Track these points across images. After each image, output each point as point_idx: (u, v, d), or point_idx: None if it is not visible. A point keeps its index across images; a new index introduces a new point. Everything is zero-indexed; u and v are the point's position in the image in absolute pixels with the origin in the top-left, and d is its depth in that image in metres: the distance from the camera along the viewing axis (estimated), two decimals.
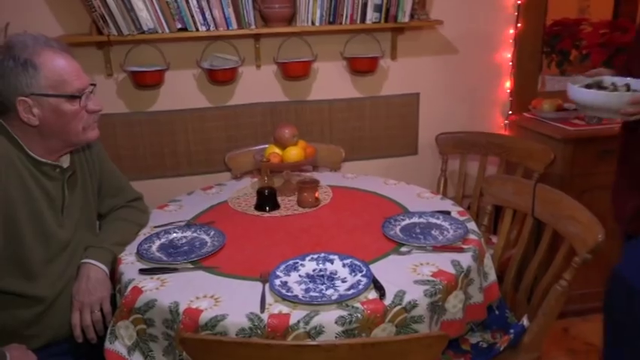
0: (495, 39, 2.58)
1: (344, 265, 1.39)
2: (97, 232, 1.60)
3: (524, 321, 1.53)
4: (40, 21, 2.09)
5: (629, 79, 1.58)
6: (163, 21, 2.07)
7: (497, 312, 1.66)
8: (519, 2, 2.52)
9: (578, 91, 1.51)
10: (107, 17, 1.99)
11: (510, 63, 2.61)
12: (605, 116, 1.46)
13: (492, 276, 1.58)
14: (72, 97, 1.36)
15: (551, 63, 2.70)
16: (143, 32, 2.07)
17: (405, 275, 1.35)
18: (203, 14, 2.09)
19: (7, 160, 1.33)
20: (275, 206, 1.81)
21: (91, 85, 1.41)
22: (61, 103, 1.35)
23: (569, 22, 2.63)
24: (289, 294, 1.26)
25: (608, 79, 1.61)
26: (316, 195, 1.83)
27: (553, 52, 2.65)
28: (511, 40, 2.58)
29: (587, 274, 2.31)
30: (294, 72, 2.33)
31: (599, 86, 1.57)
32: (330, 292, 1.28)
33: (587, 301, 2.40)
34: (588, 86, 1.57)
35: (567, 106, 2.49)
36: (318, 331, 1.18)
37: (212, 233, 1.61)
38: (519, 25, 2.55)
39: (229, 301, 1.26)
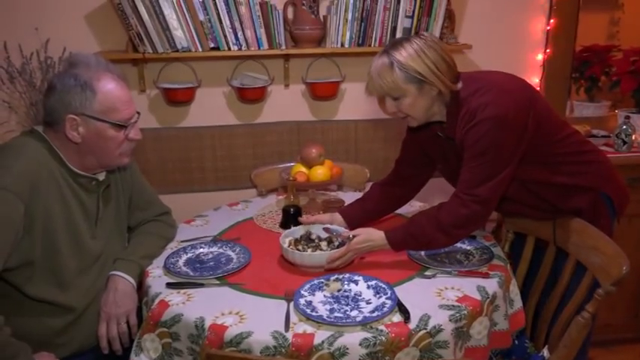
0: (524, 64, 2.57)
1: (368, 287, 1.39)
2: (126, 245, 1.63)
3: (545, 352, 1.50)
4: (79, 37, 2.16)
5: (334, 229, 1.64)
6: (197, 40, 2.12)
7: (516, 342, 1.63)
8: (549, 28, 2.52)
9: (284, 250, 1.54)
10: (143, 35, 2.05)
11: (539, 88, 2.60)
12: (316, 270, 1.52)
13: (518, 303, 1.56)
14: (118, 126, 1.41)
15: (580, 89, 2.68)
16: (177, 50, 2.12)
17: (430, 299, 1.35)
18: (235, 34, 2.14)
19: (48, 171, 1.37)
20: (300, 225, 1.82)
21: (137, 113, 1.46)
22: (107, 129, 1.40)
23: (599, 49, 2.61)
24: (314, 314, 1.27)
25: (316, 231, 1.65)
26: None
27: (582, 78, 2.63)
28: (540, 66, 2.58)
29: (613, 304, 2.28)
30: (323, 92, 2.36)
31: (308, 238, 1.61)
32: (354, 313, 1.28)
33: (612, 332, 2.35)
34: (298, 241, 1.60)
35: (596, 133, 2.46)
36: (342, 352, 1.18)
37: (237, 250, 1.63)
38: (548, 50, 2.54)
39: (254, 319, 1.27)
